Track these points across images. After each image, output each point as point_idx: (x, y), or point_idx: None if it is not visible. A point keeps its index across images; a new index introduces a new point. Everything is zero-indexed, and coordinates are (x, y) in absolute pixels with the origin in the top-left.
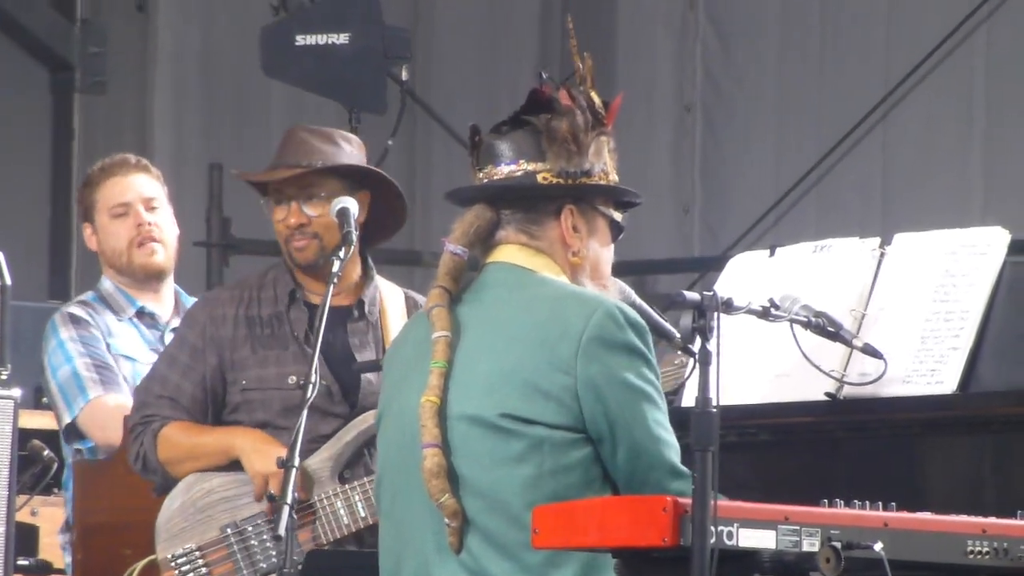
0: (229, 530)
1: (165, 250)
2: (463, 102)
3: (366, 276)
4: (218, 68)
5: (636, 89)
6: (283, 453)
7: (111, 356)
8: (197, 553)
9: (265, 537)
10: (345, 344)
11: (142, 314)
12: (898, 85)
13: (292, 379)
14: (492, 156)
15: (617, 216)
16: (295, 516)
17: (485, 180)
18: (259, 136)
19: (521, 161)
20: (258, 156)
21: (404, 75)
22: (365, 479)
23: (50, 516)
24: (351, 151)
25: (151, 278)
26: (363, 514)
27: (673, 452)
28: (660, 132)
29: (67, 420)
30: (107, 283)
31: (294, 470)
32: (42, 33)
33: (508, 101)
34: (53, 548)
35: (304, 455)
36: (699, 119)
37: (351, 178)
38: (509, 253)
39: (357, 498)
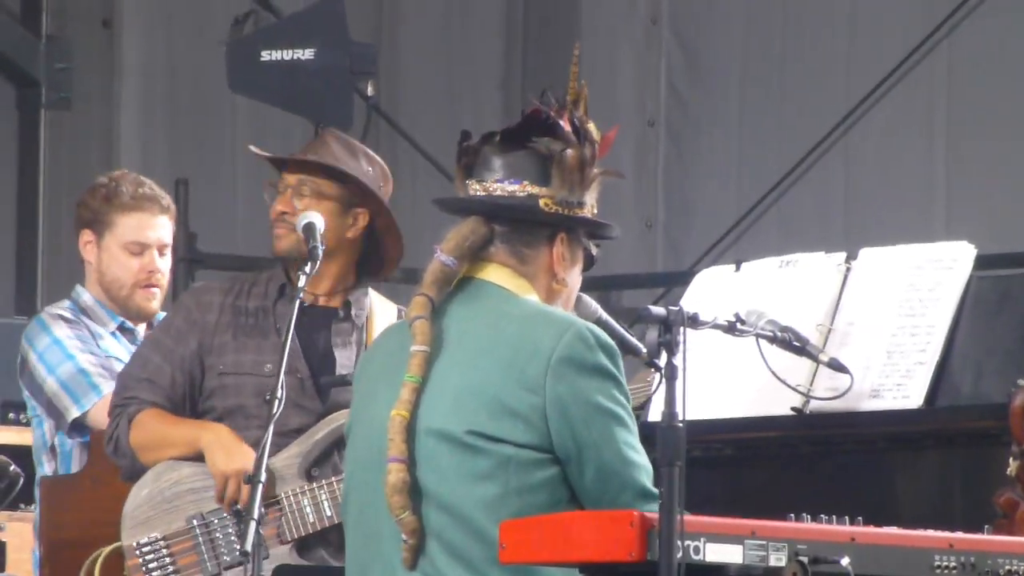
0: (195, 521)
1: (161, 294)
2: (428, 117)
3: (357, 284)
4: (184, 84)
5: (599, 104)
6: (249, 453)
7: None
8: (162, 543)
9: (230, 530)
10: (327, 341)
11: (123, 329)
12: (861, 102)
13: (268, 367)
14: (491, 170)
15: (594, 249)
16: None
17: (481, 192)
18: (225, 151)
19: (525, 182)
20: (224, 171)
21: (370, 90)
22: (333, 478)
23: (18, 531)
24: (365, 170)
25: (141, 319)
26: (328, 513)
27: (644, 474)
28: (624, 147)
29: (75, 415)
30: (86, 296)
31: (260, 485)
32: (8, 49)
33: (472, 116)
34: (21, 563)
35: (273, 450)
36: (663, 134)
37: (350, 192)
38: (495, 274)
39: (324, 497)
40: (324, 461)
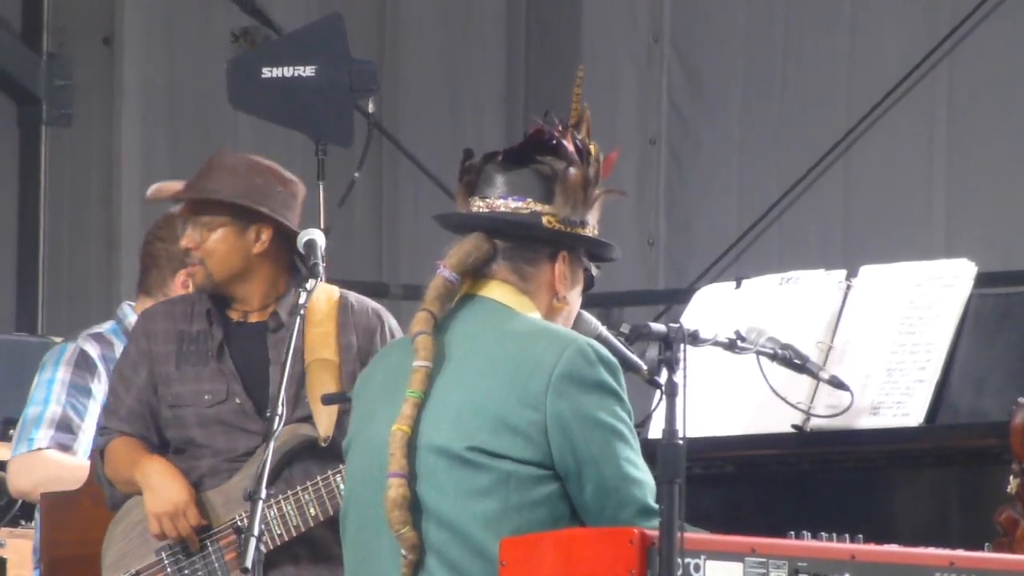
0: (163, 553)
1: None
2: (430, 134)
3: (286, 290)
4: (184, 100)
5: (600, 121)
6: (178, 488)
7: (87, 410)
8: None
9: (194, 559)
10: (263, 359)
11: None
12: (861, 119)
13: (208, 396)
14: (495, 187)
15: (594, 270)
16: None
17: (484, 210)
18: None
19: (529, 200)
20: None
21: (371, 108)
22: (279, 496)
23: (18, 548)
24: (254, 183)
25: None
26: (279, 531)
27: (646, 491)
28: (625, 164)
29: (8, 456)
30: (132, 317)
31: (260, 502)
32: (9, 66)
33: (474, 133)
34: None
35: (225, 476)
36: (663, 152)
37: (241, 212)
38: (496, 290)
39: (273, 514)
40: (275, 479)
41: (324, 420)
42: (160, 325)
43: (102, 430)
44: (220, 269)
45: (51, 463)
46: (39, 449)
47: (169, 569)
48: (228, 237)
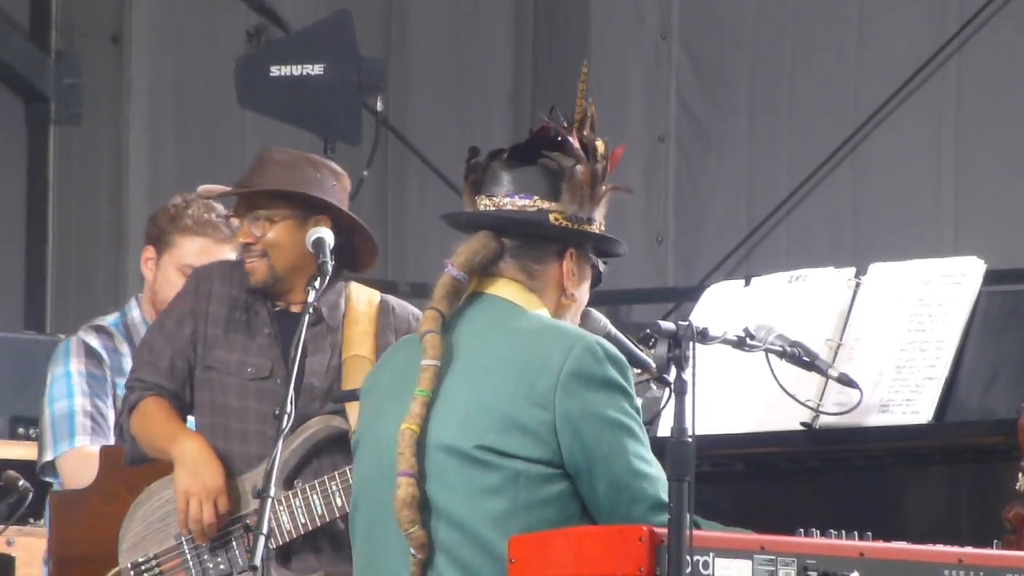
0: (183, 538)
1: None
2: (438, 132)
3: (330, 287)
4: (193, 99)
5: (609, 119)
6: (216, 472)
7: (112, 398)
8: (154, 561)
9: (216, 544)
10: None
11: None
12: (870, 117)
13: (251, 369)
14: (501, 185)
15: (601, 266)
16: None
17: (491, 208)
18: (234, 167)
19: (535, 198)
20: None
21: (379, 106)
22: (303, 484)
23: (27, 546)
24: (312, 176)
25: None
26: (303, 520)
27: (658, 486)
28: (634, 162)
29: (48, 457)
30: (135, 312)
31: (270, 499)
32: (17, 65)
33: (481, 131)
34: None
35: (253, 461)
36: (672, 150)
37: (301, 205)
38: (504, 288)
39: (298, 503)
40: (304, 468)
41: (356, 414)
42: (216, 286)
43: (134, 382)
44: (284, 262)
45: (92, 458)
46: (82, 446)
47: (189, 555)
48: (290, 229)
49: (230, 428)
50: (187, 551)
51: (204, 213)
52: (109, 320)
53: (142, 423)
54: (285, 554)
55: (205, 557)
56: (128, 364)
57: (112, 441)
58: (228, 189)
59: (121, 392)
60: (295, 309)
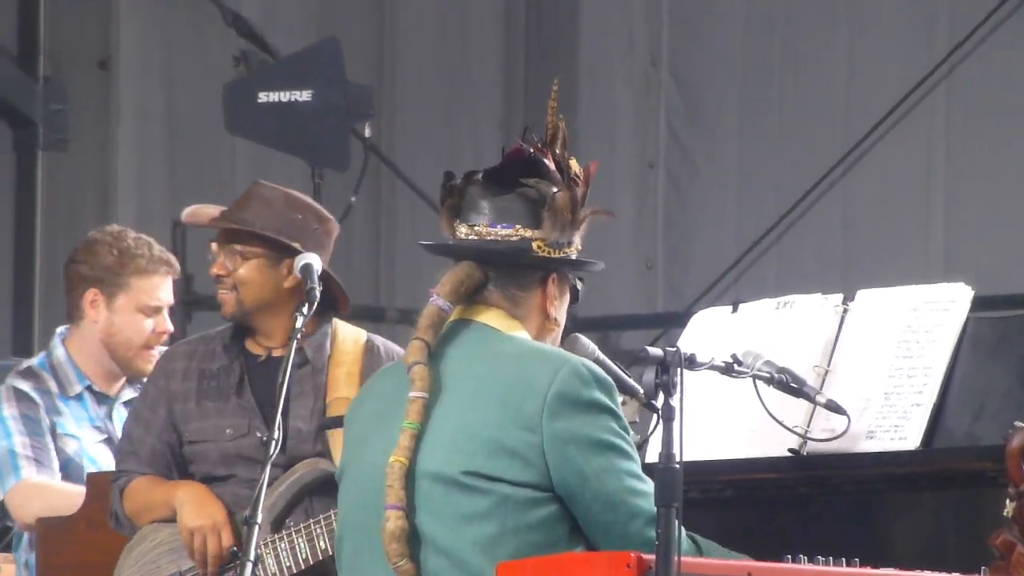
0: None
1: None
2: (426, 158)
3: (316, 328)
4: (181, 125)
5: (599, 145)
6: (219, 508)
7: (51, 436)
8: None
9: None
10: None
11: (90, 390)
12: (859, 143)
13: (229, 431)
14: (481, 213)
15: (579, 284)
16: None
17: (473, 237)
18: (223, 193)
19: (517, 226)
20: None
21: (367, 132)
22: (291, 528)
23: (11, 574)
24: (293, 218)
25: (138, 379)
26: (287, 563)
27: (652, 501)
28: (623, 189)
29: None
30: (60, 351)
31: (257, 527)
32: (4, 90)
33: (471, 156)
34: None
35: (245, 505)
36: (662, 175)
37: (276, 245)
38: (488, 315)
39: (284, 546)
40: (295, 509)
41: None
42: (179, 364)
43: (119, 473)
44: (251, 298)
45: (46, 490)
46: (26, 478)
47: None
48: (261, 268)
49: (222, 496)
50: None
51: (147, 250)
52: (35, 361)
53: (135, 498)
54: None
55: None
56: (60, 403)
57: (57, 472)
58: (215, 215)
59: (60, 430)
60: (277, 353)
